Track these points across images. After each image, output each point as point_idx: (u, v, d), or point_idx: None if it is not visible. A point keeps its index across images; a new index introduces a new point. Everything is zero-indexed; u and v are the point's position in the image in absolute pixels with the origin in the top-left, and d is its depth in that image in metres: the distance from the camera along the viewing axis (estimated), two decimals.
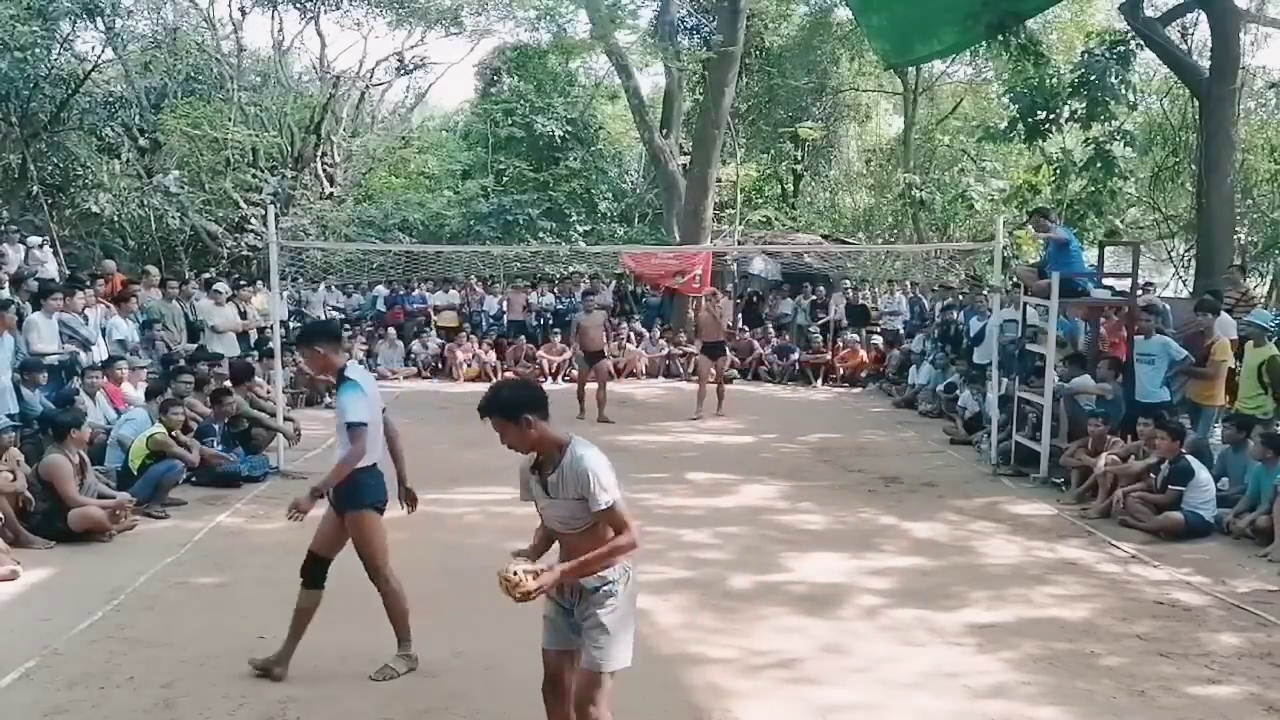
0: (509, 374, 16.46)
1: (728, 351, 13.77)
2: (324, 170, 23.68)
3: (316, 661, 4.81)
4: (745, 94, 23.98)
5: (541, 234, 20.73)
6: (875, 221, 27.03)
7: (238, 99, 22.11)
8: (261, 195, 20.35)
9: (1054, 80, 13.73)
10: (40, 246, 12.44)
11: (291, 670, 4.70)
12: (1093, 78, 12.94)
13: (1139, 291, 9.74)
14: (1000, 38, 13.03)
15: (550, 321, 17.63)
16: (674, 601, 5.78)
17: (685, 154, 20.53)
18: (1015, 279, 10.65)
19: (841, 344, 16.67)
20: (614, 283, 19.80)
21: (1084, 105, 13.13)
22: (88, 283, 10.79)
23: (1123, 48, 13.29)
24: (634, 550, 3.33)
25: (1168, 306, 10.34)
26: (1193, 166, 16.65)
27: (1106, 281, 10.24)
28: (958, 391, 12.20)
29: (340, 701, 4.40)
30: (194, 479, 8.40)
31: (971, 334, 12.69)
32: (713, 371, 12.88)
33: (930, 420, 12.80)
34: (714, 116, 18.19)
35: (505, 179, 23.07)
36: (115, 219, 18.14)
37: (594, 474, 3.26)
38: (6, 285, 10.16)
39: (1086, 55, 13.48)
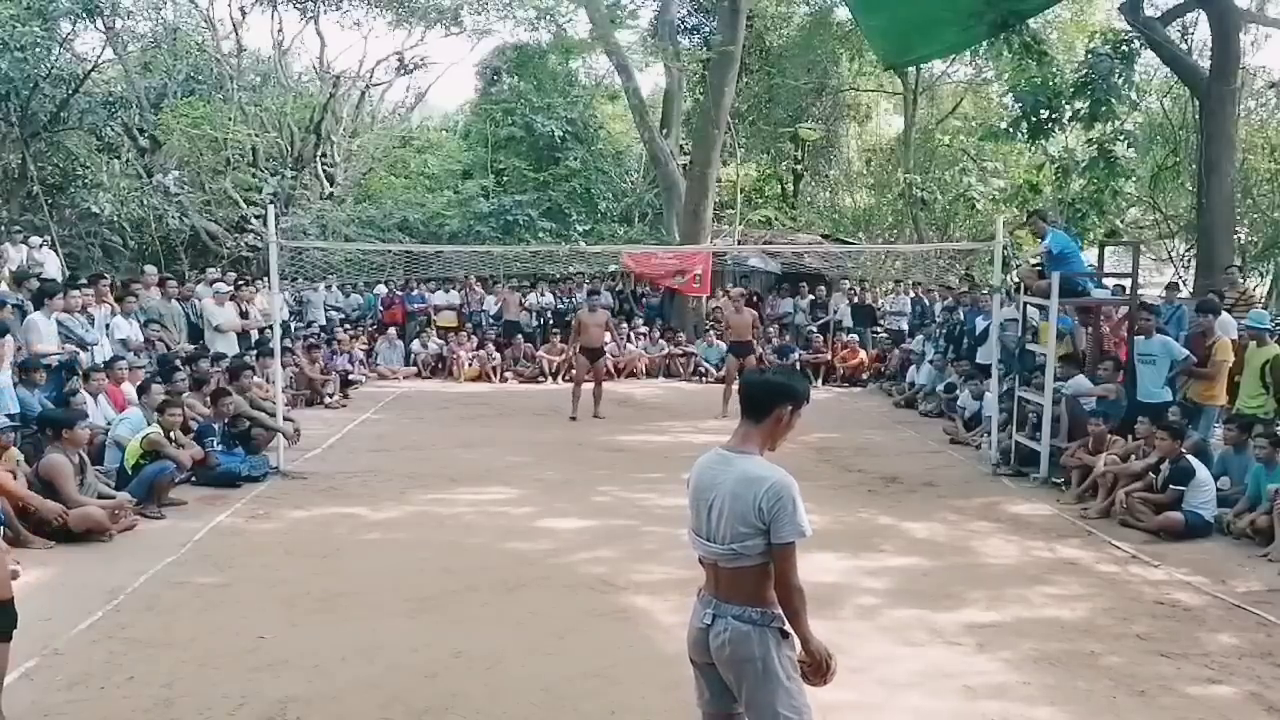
0: (509, 374, 16.49)
1: (756, 351, 13.72)
2: (324, 170, 23.69)
3: (316, 661, 4.81)
4: (745, 94, 23.98)
5: (541, 234, 20.74)
6: (875, 221, 27.03)
7: (238, 99, 22.12)
8: (261, 195, 20.37)
9: (1057, 79, 13.72)
10: (40, 247, 12.45)
11: (291, 670, 4.71)
12: (1097, 78, 12.94)
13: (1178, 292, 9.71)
14: (1003, 36, 13.01)
15: (550, 321, 17.65)
16: (674, 601, 5.77)
17: (685, 154, 20.53)
18: (1016, 279, 10.64)
19: (841, 344, 16.68)
20: (609, 281, 19.72)
21: (1087, 105, 13.13)
22: (85, 283, 10.78)
23: (1127, 47, 13.27)
24: None
25: (1184, 308, 10.31)
26: (1193, 166, 16.65)
27: (1111, 282, 10.26)
28: (958, 391, 12.20)
29: (340, 701, 4.40)
30: (194, 479, 8.40)
31: (976, 334, 12.69)
32: (739, 371, 12.85)
33: (930, 420, 12.80)
34: (714, 116, 18.18)
35: (505, 179, 23.08)
36: (115, 219, 18.14)
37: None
38: (4, 284, 10.17)
39: (1090, 54, 13.47)
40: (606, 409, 12.84)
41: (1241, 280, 12.87)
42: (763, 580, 2.97)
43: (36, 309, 9.10)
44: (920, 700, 4.49)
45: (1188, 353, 8.80)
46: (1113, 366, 9.48)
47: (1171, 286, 11.94)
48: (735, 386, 12.66)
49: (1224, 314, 9.41)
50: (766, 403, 3.15)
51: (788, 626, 2.98)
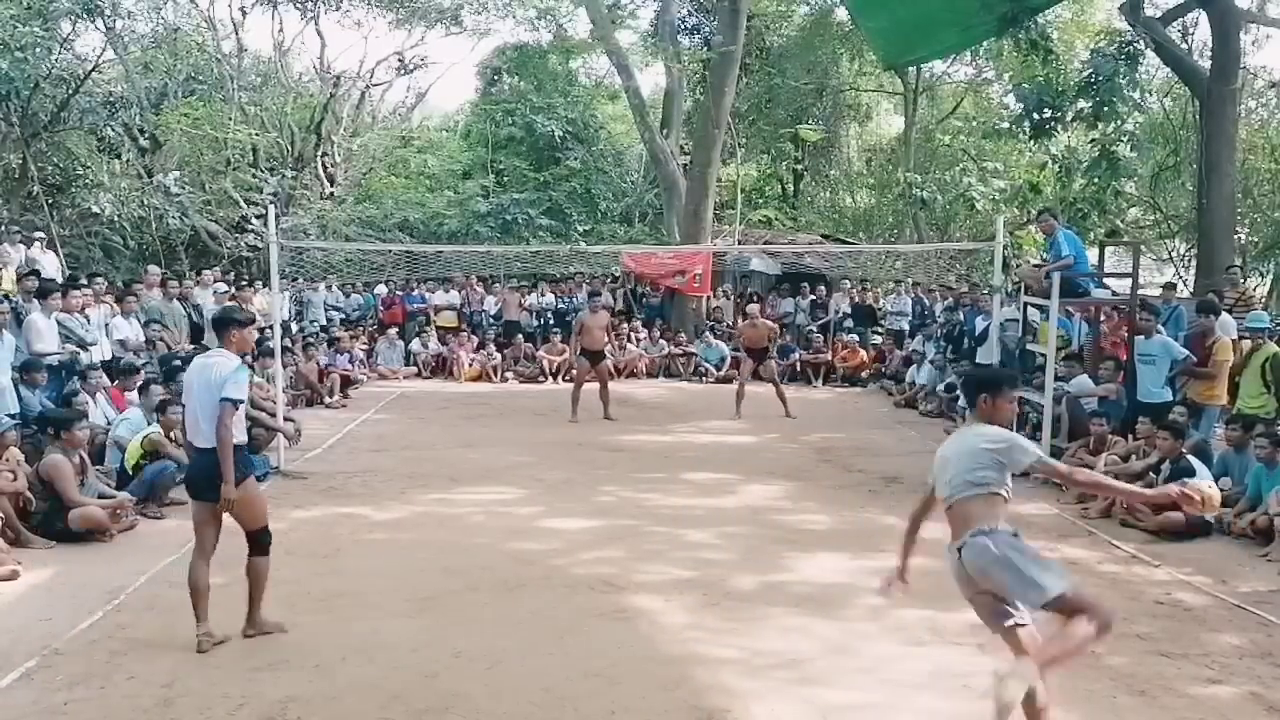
0: (509, 374, 16.48)
1: (771, 355, 13.42)
2: (324, 170, 23.67)
3: (317, 661, 4.80)
4: (745, 94, 23.95)
5: (541, 234, 20.74)
6: (876, 221, 27.03)
7: (238, 99, 22.08)
8: (262, 195, 20.34)
9: (1060, 79, 13.74)
10: (35, 245, 12.41)
11: (291, 670, 4.70)
12: (1100, 79, 12.94)
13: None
14: (1009, 33, 13.01)
15: (550, 321, 17.64)
16: (676, 601, 5.77)
17: (685, 154, 20.52)
18: (1016, 278, 10.65)
19: (841, 344, 16.67)
20: (610, 282, 19.64)
21: (1091, 105, 13.14)
22: (85, 282, 10.76)
23: (1130, 49, 13.28)
24: None
25: (1183, 308, 10.31)
26: (1193, 166, 16.66)
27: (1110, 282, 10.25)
28: (958, 391, 12.19)
29: (340, 701, 4.40)
30: None
31: (976, 334, 12.67)
32: (750, 373, 12.82)
33: (931, 420, 12.78)
34: (714, 116, 18.17)
35: (505, 179, 23.07)
36: (115, 219, 18.12)
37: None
38: (5, 284, 10.16)
39: (1094, 55, 13.47)
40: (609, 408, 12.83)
41: (1242, 280, 12.86)
42: (986, 508, 3.82)
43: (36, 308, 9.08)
44: (926, 700, 4.49)
45: (1187, 353, 8.79)
46: (1113, 366, 9.46)
47: (1169, 286, 11.93)
48: (749, 387, 12.68)
49: (1225, 315, 9.40)
50: (970, 394, 4.11)
51: (1013, 528, 3.84)
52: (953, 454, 3.93)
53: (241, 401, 4.93)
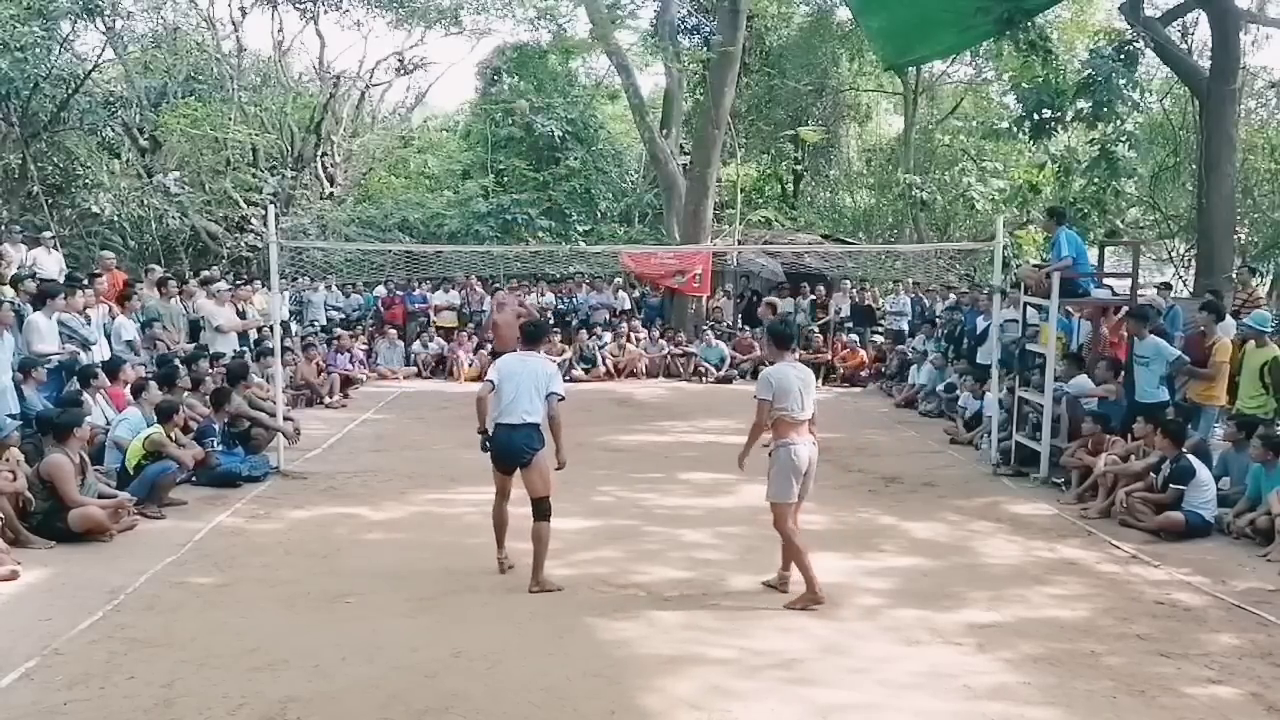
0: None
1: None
2: (324, 170, 23.69)
3: (316, 661, 4.81)
4: (745, 94, 23.97)
5: (541, 234, 20.74)
6: (875, 221, 27.03)
7: (238, 99, 22.11)
8: (261, 195, 20.36)
9: (1060, 79, 13.75)
10: (36, 245, 12.41)
11: (291, 670, 4.71)
12: (1099, 79, 12.95)
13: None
14: (1009, 33, 13.02)
15: (550, 321, 17.60)
16: (674, 601, 5.78)
17: (685, 154, 20.52)
18: (1015, 279, 10.63)
19: (841, 344, 16.67)
20: (615, 281, 19.59)
21: (1090, 105, 13.14)
22: (86, 282, 10.76)
23: (1129, 49, 13.29)
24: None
25: (1179, 308, 10.29)
26: (1193, 166, 16.67)
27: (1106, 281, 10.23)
28: (958, 391, 12.19)
29: (340, 701, 4.40)
30: (194, 479, 8.39)
31: (976, 334, 12.67)
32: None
33: (930, 420, 12.78)
34: (714, 116, 18.18)
35: (505, 179, 23.08)
36: (115, 219, 18.14)
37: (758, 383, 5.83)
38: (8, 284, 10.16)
39: (1093, 55, 13.48)
40: (607, 410, 12.83)
41: (1251, 281, 12.81)
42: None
43: (36, 310, 9.08)
44: (921, 700, 4.49)
45: (1179, 353, 8.73)
46: (1105, 367, 9.43)
47: (1164, 286, 11.91)
48: None
49: (1227, 318, 9.37)
50: (787, 343, 6.21)
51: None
52: (807, 385, 5.81)
53: (565, 396, 6.06)
